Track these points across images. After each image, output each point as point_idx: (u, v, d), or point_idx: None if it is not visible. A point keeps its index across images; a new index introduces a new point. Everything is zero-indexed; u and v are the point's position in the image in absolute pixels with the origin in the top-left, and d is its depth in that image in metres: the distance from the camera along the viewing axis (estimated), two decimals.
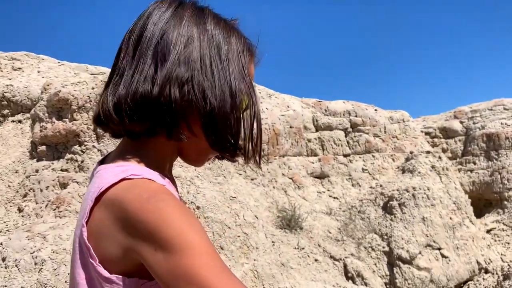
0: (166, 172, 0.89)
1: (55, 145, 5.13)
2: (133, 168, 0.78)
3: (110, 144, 4.92)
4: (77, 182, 4.76)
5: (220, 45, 0.84)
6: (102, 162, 0.88)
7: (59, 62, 8.38)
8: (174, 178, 0.97)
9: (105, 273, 0.75)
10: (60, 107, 5.11)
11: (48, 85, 5.68)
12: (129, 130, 0.82)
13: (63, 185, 4.78)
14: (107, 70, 7.67)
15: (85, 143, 4.92)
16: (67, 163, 4.94)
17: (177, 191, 0.92)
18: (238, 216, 5.06)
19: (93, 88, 5.14)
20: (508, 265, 7.78)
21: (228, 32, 0.87)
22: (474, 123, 11.91)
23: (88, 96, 5.04)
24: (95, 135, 4.95)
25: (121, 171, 0.77)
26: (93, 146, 4.91)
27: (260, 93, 9.82)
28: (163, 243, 0.68)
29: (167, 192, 0.75)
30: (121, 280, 0.76)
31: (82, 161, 4.86)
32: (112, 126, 0.82)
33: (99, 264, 0.75)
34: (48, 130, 5.02)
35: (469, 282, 8.69)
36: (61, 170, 4.93)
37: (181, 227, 0.69)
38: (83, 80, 5.69)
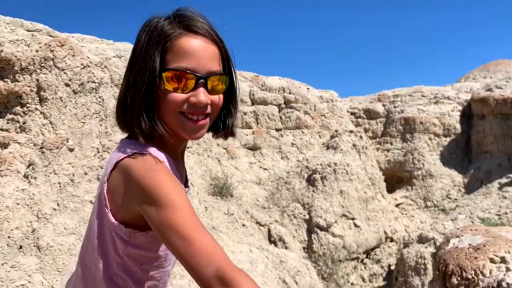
0: (177, 154, 1.19)
1: None
2: (145, 147, 1.06)
3: (53, 107, 5.07)
4: (18, 143, 4.88)
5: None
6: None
7: None
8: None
9: (112, 218, 1.07)
10: (1, 67, 5.12)
11: None
12: None
13: (3, 145, 4.87)
14: (43, 27, 7.55)
15: (28, 105, 5.01)
16: (7, 123, 5.02)
17: (185, 172, 1.25)
18: None
19: (37, 51, 5.19)
20: (409, 235, 8.92)
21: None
22: (394, 107, 13.02)
23: (32, 59, 5.10)
24: (38, 98, 5.05)
25: (135, 148, 1.06)
26: (36, 109, 5.02)
27: None
28: (154, 201, 0.96)
29: (163, 166, 1.03)
30: (121, 227, 1.07)
31: (24, 123, 4.97)
32: None
33: (109, 212, 1.07)
34: None
35: (376, 249, 9.81)
36: (1, 130, 5.01)
37: (168, 191, 0.96)
38: (21, 38, 5.67)
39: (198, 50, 1.05)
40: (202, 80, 1.05)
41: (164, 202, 0.95)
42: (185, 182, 1.26)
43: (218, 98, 1.11)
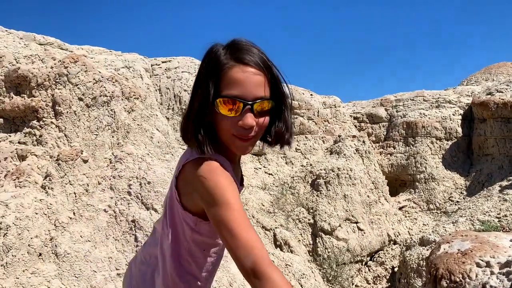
0: (235, 159, 1.40)
1: (12, 118, 5.45)
2: (202, 153, 1.26)
3: (68, 121, 5.34)
4: (35, 155, 5.15)
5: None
6: None
7: (6, 31, 8.43)
8: (240, 166, 1.49)
9: (181, 208, 1.31)
10: (18, 83, 5.41)
11: (0, 57, 5.89)
12: None
13: (22, 157, 5.15)
14: (54, 41, 7.87)
15: (44, 119, 5.29)
16: (25, 136, 5.30)
17: (240, 173, 1.47)
18: None
19: (51, 67, 5.47)
20: (411, 237, 9.10)
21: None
22: (397, 111, 13.22)
23: (47, 75, 5.38)
24: (53, 112, 5.33)
25: (197, 153, 1.27)
26: (51, 122, 5.29)
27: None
28: (211, 198, 1.17)
29: (221, 169, 1.23)
30: (188, 215, 1.31)
31: (41, 136, 5.24)
32: None
33: (180, 203, 1.31)
34: (6, 104, 5.33)
35: (380, 252, 10.00)
36: (19, 143, 5.29)
37: (223, 191, 1.17)
38: (35, 53, 5.96)
39: (246, 79, 1.23)
40: (248, 106, 1.23)
41: (219, 200, 1.16)
42: (240, 182, 1.49)
43: (265, 120, 1.29)
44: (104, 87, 5.75)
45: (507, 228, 8.57)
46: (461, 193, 11.58)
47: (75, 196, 5.01)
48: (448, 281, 2.88)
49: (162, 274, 1.39)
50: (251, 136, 1.28)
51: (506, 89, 12.02)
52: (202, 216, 1.29)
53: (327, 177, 9.57)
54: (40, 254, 4.51)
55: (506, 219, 8.89)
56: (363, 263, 9.70)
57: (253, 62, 1.26)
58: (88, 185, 5.15)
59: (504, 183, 10.65)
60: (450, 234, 3.59)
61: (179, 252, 1.36)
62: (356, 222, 9.48)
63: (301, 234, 9.09)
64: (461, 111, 12.77)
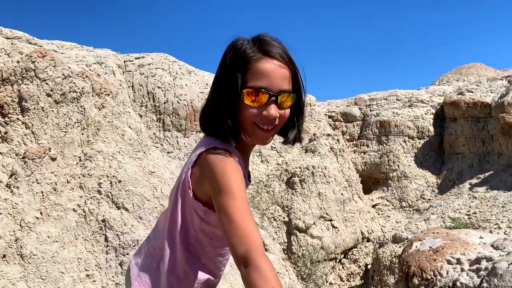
0: (247, 153, 1.44)
1: None
2: (221, 143, 1.31)
3: (35, 117, 5.16)
4: (0, 153, 4.96)
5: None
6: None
7: None
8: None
9: (192, 196, 1.33)
10: None
11: None
12: None
13: None
14: (23, 35, 7.60)
15: (9, 115, 5.09)
16: None
17: (247, 164, 1.47)
18: (156, 189, 5.61)
19: (18, 62, 5.27)
20: (384, 235, 9.21)
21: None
22: (371, 110, 13.37)
23: (13, 70, 5.18)
24: (19, 108, 5.13)
25: (214, 143, 1.30)
26: (17, 119, 5.10)
27: (180, 69, 10.18)
28: (218, 185, 1.21)
29: (232, 159, 1.26)
30: (199, 205, 1.33)
31: (6, 133, 5.05)
32: None
33: (192, 192, 1.33)
34: None
35: (353, 249, 10.09)
36: None
37: (230, 181, 1.20)
38: (0, 47, 5.74)
39: (272, 72, 1.28)
40: (273, 98, 1.28)
41: (224, 188, 1.20)
42: (248, 176, 1.51)
43: (286, 112, 1.33)
44: (74, 83, 5.58)
45: (477, 225, 8.78)
46: (433, 191, 11.80)
47: (43, 195, 4.85)
48: (419, 279, 2.89)
49: (172, 263, 1.40)
50: (273, 127, 1.32)
51: (476, 89, 12.31)
52: (211, 206, 1.31)
53: (302, 175, 9.59)
54: (4, 256, 4.33)
55: (476, 216, 9.10)
56: (337, 260, 9.77)
57: (280, 55, 1.30)
58: (56, 184, 4.99)
59: (474, 181, 10.91)
60: (422, 231, 3.61)
61: (188, 240, 1.39)
62: (330, 220, 9.53)
63: (276, 233, 9.08)
64: (433, 111, 13.02)
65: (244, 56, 1.28)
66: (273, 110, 1.28)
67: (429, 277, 2.84)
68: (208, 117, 1.36)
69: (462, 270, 2.75)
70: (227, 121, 1.29)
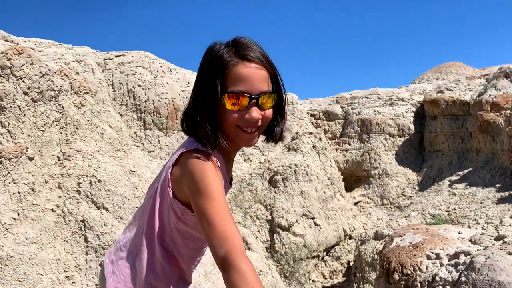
0: (230, 158, 1.46)
1: None
2: (204, 146, 1.32)
3: (12, 116, 5.04)
4: None
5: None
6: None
7: None
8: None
9: (171, 194, 1.33)
10: None
11: None
12: None
13: None
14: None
15: None
16: None
17: (230, 168, 1.48)
18: (136, 188, 5.55)
19: None
20: (366, 232, 9.30)
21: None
22: (352, 108, 13.47)
23: None
24: None
25: (196, 145, 1.32)
26: None
27: (161, 67, 10.08)
28: (196, 188, 1.22)
29: (213, 164, 1.28)
30: (177, 203, 1.33)
31: None
32: None
33: (171, 190, 1.33)
34: None
35: (336, 247, 10.16)
36: None
37: (209, 183, 1.21)
38: None
39: (250, 75, 1.29)
40: (254, 100, 1.29)
41: (203, 190, 1.21)
42: (230, 181, 1.53)
43: (268, 113, 1.35)
44: (52, 80, 5.47)
45: (456, 221, 8.93)
46: (414, 188, 11.96)
47: (20, 196, 4.74)
48: (400, 274, 2.91)
49: (150, 259, 1.41)
50: (256, 129, 1.34)
51: (455, 87, 12.51)
52: (189, 207, 1.31)
53: (285, 173, 9.61)
54: None
55: (455, 212, 9.25)
56: (320, 258, 9.82)
57: (257, 58, 1.32)
58: (34, 184, 4.89)
59: (453, 178, 11.09)
60: (402, 227, 3.64)
61: (163, 238, 1.40)
62: (313, 218, 9.57)
63: (258, 231, 9.07)
64: (414, 109, 13.18)
65: (222, 61, 1.30)
66: (255, 112, 1.29)
67: (409, 272, 2.86)
68: (189, 123, 1.38)
69: (441, 265, 2.78)
70: (206, 129, 1.30)
